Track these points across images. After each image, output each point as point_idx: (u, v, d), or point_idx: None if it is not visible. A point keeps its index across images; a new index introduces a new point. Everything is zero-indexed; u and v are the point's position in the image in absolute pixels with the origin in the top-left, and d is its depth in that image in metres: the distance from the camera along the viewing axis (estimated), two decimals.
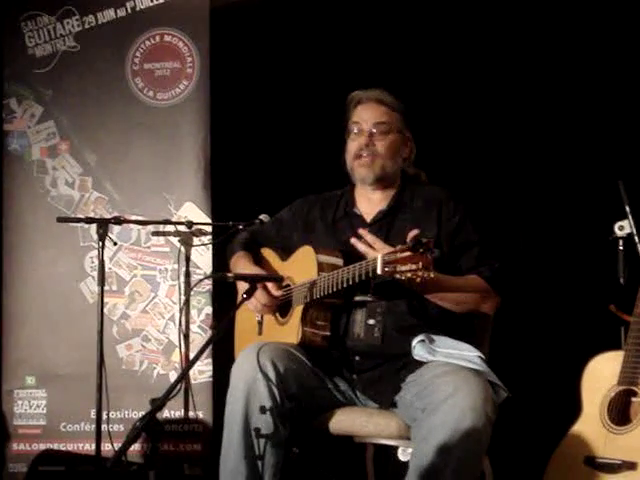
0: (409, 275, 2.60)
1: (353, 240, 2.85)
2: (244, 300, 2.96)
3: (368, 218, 3.16)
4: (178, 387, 2.64)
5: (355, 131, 3.13)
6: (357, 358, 3.02)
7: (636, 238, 3.46)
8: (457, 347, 2.90)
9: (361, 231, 2.87)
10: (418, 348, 2.91)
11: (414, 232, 2.70)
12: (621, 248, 3.53)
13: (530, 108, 4.30)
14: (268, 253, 3.35)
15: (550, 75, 4.30)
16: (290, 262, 3.22)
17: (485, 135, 4.34)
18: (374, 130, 3.10)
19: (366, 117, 3.12)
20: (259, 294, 3.11)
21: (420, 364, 2.90)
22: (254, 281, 3.01)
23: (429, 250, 2.58)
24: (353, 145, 3.13)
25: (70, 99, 4.52)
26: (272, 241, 3.36)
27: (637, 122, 4.14)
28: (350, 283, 2.86)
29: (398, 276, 2.62)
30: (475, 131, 4.34)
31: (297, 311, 3.07)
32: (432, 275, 2.60)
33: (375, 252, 2.78)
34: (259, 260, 3.34)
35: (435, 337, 2.93)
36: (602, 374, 3.17)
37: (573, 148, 4.24)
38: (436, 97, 4.34)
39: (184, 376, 2.74)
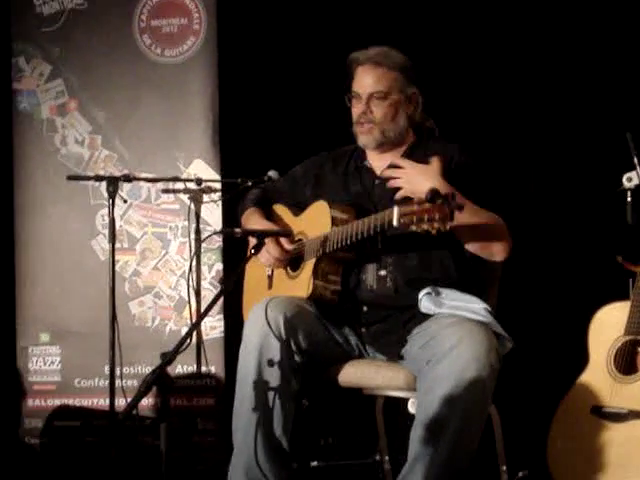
0: (425, 227, 2.58)
1: (387, 172, 2.87)
2: (252, 255, 2.97)
3: (378, 171, 3.16)
4: (188, 341, 2.66)
5: (355, 97, 3.13)
6: (365, 309, 3.04)
7: None
8: (463, 299, 2.91)
9: (395, 161, 2.87)
10: (425, 300, 2.92)
11: (435, 158, 2.73)
12: (629, 199, 3.54)
13: (539, 59, 4.28)
14: (281, 209, 3.35)
15: (561, 26, 4.27)
16: (303, 217, 3.23)
17: (495, 86, 4.32)
18: (371, 97, 3.09)
19: (363, 83, 3.11)
20: (272, 248, 3.13)
21: (426, 316, 2.92)
22: (262, 236, 3.02)
23: (447, 201, 2.57)
24: (353, 112, 3.14)
25: (78, 57, 4.52)
26: (285, 197, 3.36)
27: None
28: (365, 235, 2.87)
29: (414, 228, 2.59)
30: (485, 83, 4.33)
31: (308, 265, 3.08)
32: (448, 227, 2.58)
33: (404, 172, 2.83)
34: (271, 216, 3.35)
35: (442, 290, 2.94)
36: (609, 324, 3.18)
37: (582, 100, 4.23)
38: (446, 48, 4.33)
39: (194, 330, 2.77)
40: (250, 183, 3.58)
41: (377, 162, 3.18)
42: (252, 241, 3.17)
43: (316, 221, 3.10)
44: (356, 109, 3.13)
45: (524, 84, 4.30)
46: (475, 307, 2.88)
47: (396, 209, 2.62)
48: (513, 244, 3.00)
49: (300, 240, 3.18)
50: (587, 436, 3.09)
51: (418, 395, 2.79)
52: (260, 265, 3.25)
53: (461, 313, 2.86)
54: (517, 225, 3.14)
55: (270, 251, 3.15)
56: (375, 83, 3.09)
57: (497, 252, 2.98)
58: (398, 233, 2.85)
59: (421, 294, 2.94)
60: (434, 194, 2.56)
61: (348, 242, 2.93)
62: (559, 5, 4.27)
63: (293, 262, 3.19)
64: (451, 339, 2.73)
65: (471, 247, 2.96)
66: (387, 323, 3.01)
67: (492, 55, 4.33)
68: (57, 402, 4.43)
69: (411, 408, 2.88)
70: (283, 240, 3.15)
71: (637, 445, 2.99)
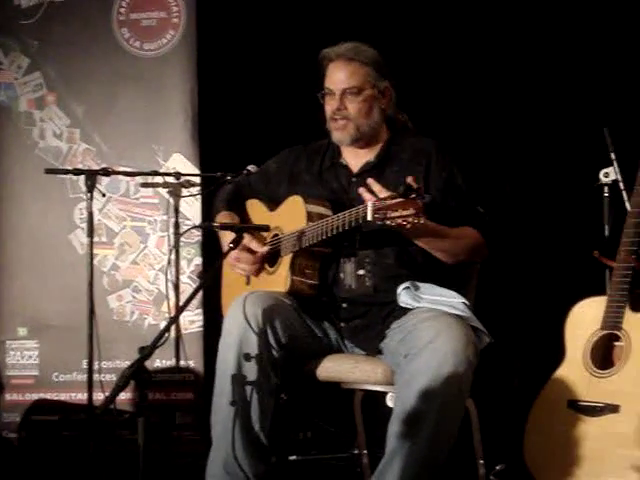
0: (399, 221, 2.61)
1: (361, 190, 2.78)
2: (230, 250, 2.97)
3: (355, 169, 3.16)
4: (166, 335, 2.66)
5: (328, 94, 3.12)
6: (344, 306, 3.05)
7: (621, 185, 3.48)
8: (442, 294, 2.93)
9: (369, 180, 2.81)
10: (403, 295, 2.93)
11: (410, 178, 2.66)
12: (606, 195, 3.56)
13: (516, 55, 4.29)
14: (256, 204, 3.35)
15: (538, 21, 4.29)
16: (278, 212, 3.23)
17: (471, 81, 4.33)
18: (344, 93, 3.08)
19: (336, 79, 3.10)
20: (244, 257, 3.14)
21: (405, 311, 2.93)
22: (241, 231, 3.03)
23: (420, 196, 2.59)
24: (327, 108, 3.13)
25: (57, 50, 4.51)
26: (259, 193, 3.35)
27: (622, 69, 4.14)
28: (340, 230, 2.87)
29: (389, 222, 2.62)
30: (461, 77, 4.34)
31: (286, 260, 3.08)
32: (422, 221, 2.62)
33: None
34: (245, 213, 3.35)
35: (420, 284, 2.96)
36: (585, 319, 3.19)
37: (559, 95, 4.24)
38: (423, 44, 4.34)
39: (172, 324, 2.76)
40: (229, 177, 3.57)
41: (352, 159, 3.18)
42: (226, 238, 3.18)
43: (291, 216, 3.10)
44: (329, 106, 3.12)
45: (500, 79, 4.30)
46: (453, 301, 2.89)
47: (370, 204, 2.64)
48: (491, 238, 3.04)
49: (276, 235, 3.18)
50: (563, 430, 3.10)
51: (396, 389, 2.81)
52: (240, 274, 3.25)
53: (439, 307, 2.87)
54: (494, 223, 3.17)
55: (244, 260, 3.15)
56: (348, 79, 3.08)
57: (476, 260, 3.11)
58: (374, 230, 2.87)
59: (400, 288, 2.95)
60: (407, 188, 2.58)
61: (324, 237, 2.94)
62: (536, 2, 4.28)
63: (270, 258, 3.19)
64: (429, 333, 2.74)
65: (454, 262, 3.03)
66: (366, 318, 3.02)
67: (468, 50, 4.34)
68: (35, 396, 4.43)
69: (389, 402, 2.89)
70: (254, 246, 3.14)
71: (613, 439, 3.01)
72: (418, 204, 2.60)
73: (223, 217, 3.32)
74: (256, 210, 3.32)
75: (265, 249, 3.14)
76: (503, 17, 4.31)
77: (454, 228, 2.98)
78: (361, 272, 3.02)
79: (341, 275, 3.04)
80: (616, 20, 4.17)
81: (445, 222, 2.95)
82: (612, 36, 4.16)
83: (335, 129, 3.12)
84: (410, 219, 2.60)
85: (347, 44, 3.13)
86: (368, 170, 3.11)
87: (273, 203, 3.27)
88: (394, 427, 2.75)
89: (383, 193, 2.71)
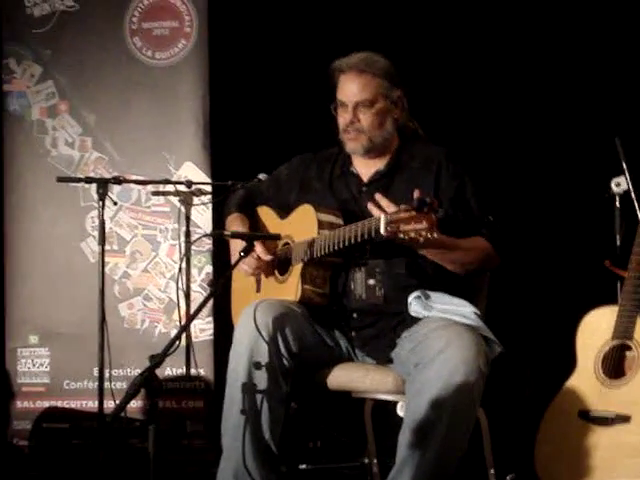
0: (412, 235, 2.59)
1: (370, 205, 2.76)
2: (241, 258, 2.98)
3: (365, 178, 3.15)
4: (177, 343, 2.67)
5: (340, 106, 3.11)
6: (355, 315, 3.04)
7: (633, 194, 3.47)
8: (453, 303, 2.92)
9: (377, 196, 2.78)
10: (414, 304, 2.93)
11: (417, 192, 2.65)
12: (618, 204, 3.55)
13: (527, 63, 4.30)
14: (266, 211, 3.35)
15: (548, 29, 4.29)
16: (289, 220, 3.23)
17: (483, 89, 4.33)
18: (357, 106, 3.07)
19: (348, 92, 3.08)
20: (250, 261, 3.14)
21: (416, 320, 2.93)
22: (251, 239, 3.03)
23: (434, 210, 2.57)
24: (340, 120, 3.12)
25: (69, 59, 4.53)
26: (269, 200, 3.36)
27: (634, 78, 4.14)
28: (352, 242, 2.86)
29: (401, 236, 2.60)
30: (473, 85, 4.34)
31: (296, 269, 3.08)
32: (436, 235, 2.61)
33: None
34: (255, 220, 3.35)
35: (431, 293, 2.95)
36: (597, 329, 3.19)
37: (570, 104, 4.24)
38: (432, 52, 4.34)
39: (182, 332, 2.77)
40: (240, 186, 3.58)
41: (363, 168, 3.17)
42: (236, 246, 3.18)
43: (302, 225, 3.10)
44: (342, 118, 3.10)
45: (512, 87, 4.30)
46: (464, 311, 2.89)
47: (383, 217, 2.62)
48: (502, 248, 3.03)
49: (287, 244, 3.18)
50: (574, 440, 3.10)
51: (407, 398, 2.80)
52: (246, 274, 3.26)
53: (450, 317, 2.87)
54: (505, 232, 3.17)
55: (249, 264, 3.15)
56: (360, 91, 3.07)
57: (487, 268, 3.10)
58: (385, 242, 2.85)
59: (411, 297, 2.95)
60: (421, 202, 2.56)
61: (335, 248, 2.93)
62: (547, 10, 4.28)
63: (280, 266, 3.19)
64: (440, 342, 2.74)
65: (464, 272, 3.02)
66: (376, 328, 3.02)
67: (480, 59, 4.34)
68: (46, 404, 4.43)
69: (400, 411, 2.89)
70: (260, 252, 3.13)
71: (624, 449, 3.00)
72: (432, 219, 2.58)
73: (234, 219, 3.32)
74: (266, 217, 3.32)
75: (269, 257, 3.13)
76: (515, 26, 4.31)
77: (464, 239, 2.97)
78: (371, 282, 3.02)
79: (351, 285, 3.04)
80: (627, 30, 4.16)
81: (455, 232, 2.94)
82: (623, 46, 4.16)
83: (348, 140, 3.11)
84: (424, 233, 2.58)
85: (358, 55, 3.11)
86: (378, 179, 3.12)
87: (283, 210, 3.27)
88: (404, 436, 2.75)
89: (391, 208, 2.69)
